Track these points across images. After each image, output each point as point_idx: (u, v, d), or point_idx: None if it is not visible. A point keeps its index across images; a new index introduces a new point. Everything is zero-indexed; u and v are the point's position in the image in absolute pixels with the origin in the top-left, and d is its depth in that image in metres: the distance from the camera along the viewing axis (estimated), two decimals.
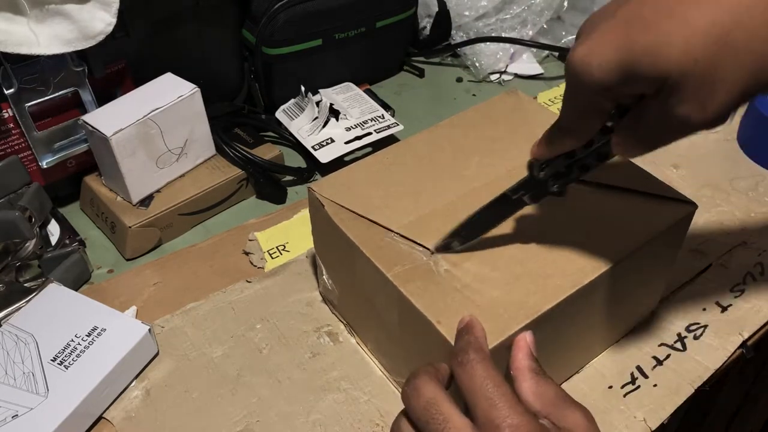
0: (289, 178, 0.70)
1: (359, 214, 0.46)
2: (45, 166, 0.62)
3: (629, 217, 0.46)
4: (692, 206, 0.47)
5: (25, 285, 0.56)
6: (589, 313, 0.46)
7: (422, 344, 0.42)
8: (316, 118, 0.73)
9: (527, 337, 0.37)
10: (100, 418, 0.49)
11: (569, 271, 0.42)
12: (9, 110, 0.58)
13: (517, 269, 0.42)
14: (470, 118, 0.55)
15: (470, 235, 0.44)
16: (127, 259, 0.62)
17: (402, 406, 0.37)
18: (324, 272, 0.53)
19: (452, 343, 0.37)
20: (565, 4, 0.88)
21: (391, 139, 0.72)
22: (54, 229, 0.61)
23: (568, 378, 0.50)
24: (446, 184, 0.49)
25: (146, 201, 0.62)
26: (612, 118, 0.35)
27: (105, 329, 0.51)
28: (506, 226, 0.45)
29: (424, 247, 0.44)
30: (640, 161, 0.69)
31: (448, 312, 0.40)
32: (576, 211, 0.46)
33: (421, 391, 0.33)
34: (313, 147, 0.71)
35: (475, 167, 0.50)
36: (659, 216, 0.46)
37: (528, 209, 0.45)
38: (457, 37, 0.86)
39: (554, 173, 0.40)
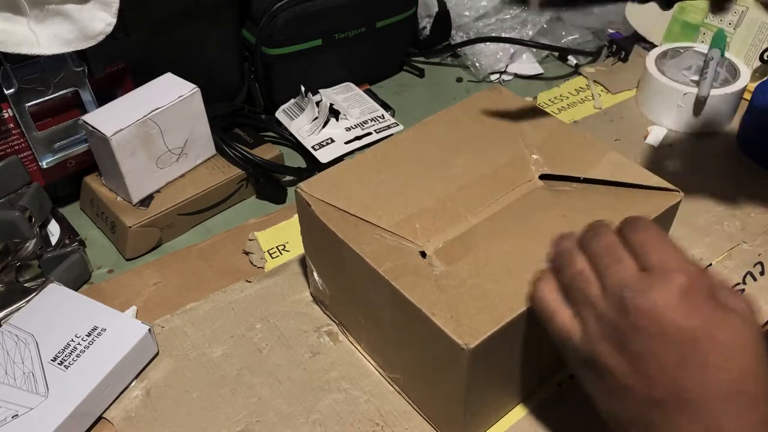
0: (289, 178, 0.70)
1: (347, 212, 0.47)
2: (45, 166, 0.62)
3: (619, 209, 0.46)
4: (678, 194, 0.48)
5: (25, 285, 0.56)
6: None
7: (417, 339, 0.43)
8: (316, 118, 0.73)
9: None
10: (100, 418, 0.49)
11: None
12: (9, 110, 0.58)
13: (511, 264, 0.43)
14: (455, 114, 0.56)
15: None
16: (127, 259, 0.62)
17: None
18: (314, 272, 0.53)
19: (449, 335, 0.38)
20: None
21: None
22: (54, 229, 0.61)
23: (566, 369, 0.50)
24: (434, 182, 0.49)
25: (146, 201, 0.62)
26: None
27: (105, 329, 0.51)
28: (497, 226, 0.46)
29: (415, 244, 0.44)
30: (640, 162, 0.69)
31: (442, 304, 0.40)
32: (567, 206, 0.47)
33: (604, 234, 0.37)
34: (313, 147, 0.71)
35: (461, 166, 0.51)
36: (648, 206, 0.47)
37: (518, 208, 0.46)
38: (457, 37, 0.86)
39: None
